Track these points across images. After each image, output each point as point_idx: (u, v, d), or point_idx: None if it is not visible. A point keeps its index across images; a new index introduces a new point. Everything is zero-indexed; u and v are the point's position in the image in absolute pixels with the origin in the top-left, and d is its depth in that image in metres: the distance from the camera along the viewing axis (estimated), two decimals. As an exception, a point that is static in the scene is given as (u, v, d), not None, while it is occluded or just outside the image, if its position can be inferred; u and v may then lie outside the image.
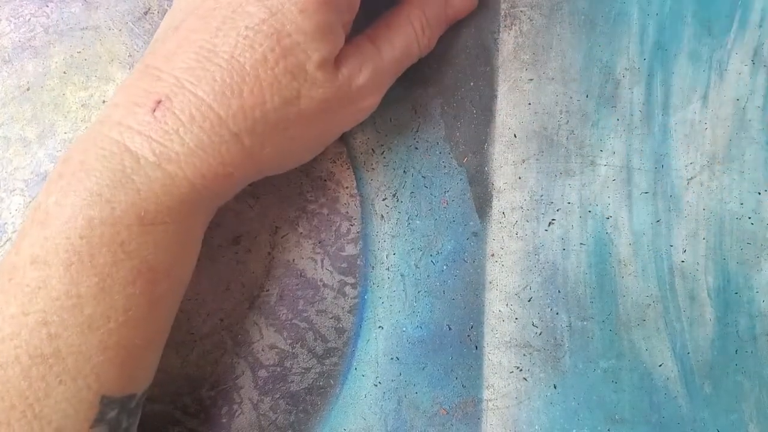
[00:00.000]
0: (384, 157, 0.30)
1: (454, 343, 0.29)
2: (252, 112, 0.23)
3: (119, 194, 0.22)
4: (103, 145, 0.23)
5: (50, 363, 0.22)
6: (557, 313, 0.29)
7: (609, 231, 0.29)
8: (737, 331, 0.28)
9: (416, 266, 0.30)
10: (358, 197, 0.30)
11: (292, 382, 0.29)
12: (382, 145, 0.30)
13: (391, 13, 0.28)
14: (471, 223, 0.30)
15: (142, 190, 0.23)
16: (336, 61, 0.25)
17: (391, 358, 0.29)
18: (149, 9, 0.31)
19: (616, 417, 0.29)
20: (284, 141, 0.25)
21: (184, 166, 0.23)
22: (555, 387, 0.29)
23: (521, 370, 0.29)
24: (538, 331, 0.29)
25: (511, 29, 0.30)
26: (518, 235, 0.30)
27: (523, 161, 0.30)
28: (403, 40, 0.27)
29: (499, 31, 0.30)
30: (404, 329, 0.30)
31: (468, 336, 0.29)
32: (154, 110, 0.23)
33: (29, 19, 0.31)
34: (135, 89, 0.24)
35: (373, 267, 0.30)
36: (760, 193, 0.29)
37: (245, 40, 0.23)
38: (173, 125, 0.23)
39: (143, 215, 0.23)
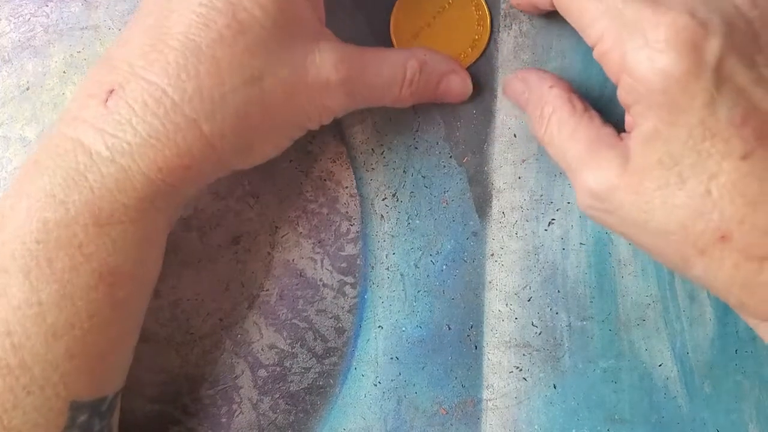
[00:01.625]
0: (384, 157, 0.30)
1: (453, 342, 0.29)
2: (210, 95, 0.22)
3: (73, 193, 0.21)
4: (58, 142, 0.22)
5: (16, 374, 0.21)
6: (557, 313, 0.29)
7: (608, 231, 0.29)
8: (737, 331, 0.28)
9: (416, 266, 0.30)
10: (357, 197, 0.30)
11: (292, 381, 0.29)
12: (381, 145, 0.30)
13: (391, 50, 0.28)
14: (471, 222, 0.30)
15: (96, 188, 0.22)
16: (310, 45, 0.24)
17: (391, 358, 0.29)
18: (149, 9, 0.31)
19: (616, 417, 0.29)
20: (246, 129, 0.23)
21: (137, 158, 0.22)
22: (555, 387, 0.29)
23: (521, 369, 0.29)
24: (538, 331, 0.29)
25: (510, 29, 0.30)
26: (518, 235, 0.30)
27: (523, 161, 0.30)
28: (389, 74, 0.27)
29: (498, 31, 0.30)
30: (404, 329, 0.30)
31: (467, 336, 0.29)
32: (107, 101, 0.22)
33: (29, 18, 0.31)
34: (89, 80, 0.23)
35: (372, 267, 0.30)
36: (759, 193, 0.29)
37: (199, 18, 0.22)
38: (126, 115, 0.22)
39: (99, 214, 0.22)
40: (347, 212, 0.30)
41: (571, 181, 0.25)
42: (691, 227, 0.21)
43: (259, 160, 0.26)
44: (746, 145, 0.20)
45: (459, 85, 0.29)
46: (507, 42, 0.30)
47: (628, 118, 0.24)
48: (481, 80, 0.30)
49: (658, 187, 0.21)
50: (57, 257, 0.21)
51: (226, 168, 0.25)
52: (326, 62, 0.24)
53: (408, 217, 0.30)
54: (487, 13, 0.30)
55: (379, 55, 0.27)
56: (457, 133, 0.30)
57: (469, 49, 0.30)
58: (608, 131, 0.24)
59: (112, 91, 0.22)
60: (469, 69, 0.29)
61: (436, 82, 0.28)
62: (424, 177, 0.30)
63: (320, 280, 0.30)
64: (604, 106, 0.29)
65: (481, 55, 0.30)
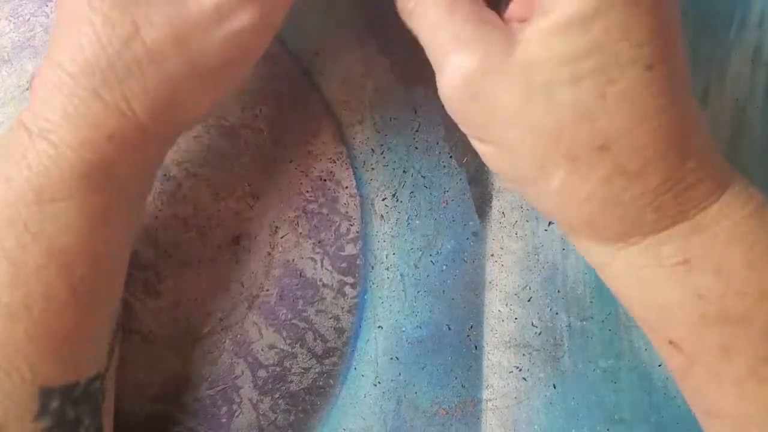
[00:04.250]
0: (384, 157, 0.30)
1: (453, 343, 0.29)
2: (96, 62, 0.22)
3: (14, 170, 0.22)
4: (12, 125, 0.23)
5: None
6: (557, 313, 0.29)
7: (608, 231, 0.29)
8: (736, 331, 0.28)
9: (416, 266, 0.30)
10: (357, 197, 0.30)
11: (292, 382, 0.29)
12: (381, 145, 0.30)
13: None
14: (471, 222, 0.30)
15: (33, 164, 0.22)
16: None
17: (391, 358, 0.29)
18: (149, 9, 0.31)
19: (616, 417, 0.29)
20: (159, 85, 0.22)
21: (61, 134, 0.22)
22: (554, 387, 0.29)
23: (521, 369, 0.29)
24: (538, 331, 0.29)
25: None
26: (518, 235, 0.30)
27: (523, 161, 0.30)
28: None
29: (498, 31, 0.30)
30: (404, 329, 0.30)
31: (467, 336, 0.29)
32: (32, 83, 0.23)
33: (29, 18, 0.31)
34: None
35: (372, 267, 0.30)
36: (759, 193, 0.29)
37: None
38: (42, 94, 0.22)
39: (40, 192, 0.22)
40: (347, 212, 0.30)
41: (436, 66, 0.22)
42: (570, 129, 0.20)
43: (197, 107, 0.24)
44: (654, 56, 0.20)
45: None
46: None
47: (516, 6, 0.22)
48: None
49: (549, 82, 0.20)
50: (6, 237, 0.22)
51: (161, 134, 0.24)
52: None
53: (408, 217, 0.30)
54: None
55: None
56: (457, 133, 0.30)
57: None
58: (491, 13, 0.22)
59: (34, 75, 0.23)
60: None
61: None
62: (424, 177, 0.30)
63: (320, 280, 0.30)
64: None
65: None
